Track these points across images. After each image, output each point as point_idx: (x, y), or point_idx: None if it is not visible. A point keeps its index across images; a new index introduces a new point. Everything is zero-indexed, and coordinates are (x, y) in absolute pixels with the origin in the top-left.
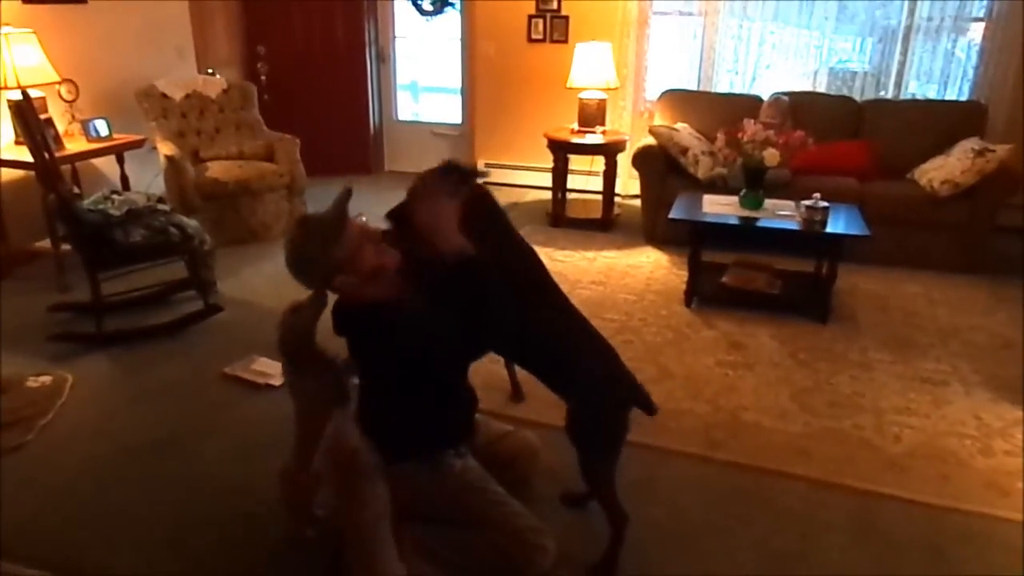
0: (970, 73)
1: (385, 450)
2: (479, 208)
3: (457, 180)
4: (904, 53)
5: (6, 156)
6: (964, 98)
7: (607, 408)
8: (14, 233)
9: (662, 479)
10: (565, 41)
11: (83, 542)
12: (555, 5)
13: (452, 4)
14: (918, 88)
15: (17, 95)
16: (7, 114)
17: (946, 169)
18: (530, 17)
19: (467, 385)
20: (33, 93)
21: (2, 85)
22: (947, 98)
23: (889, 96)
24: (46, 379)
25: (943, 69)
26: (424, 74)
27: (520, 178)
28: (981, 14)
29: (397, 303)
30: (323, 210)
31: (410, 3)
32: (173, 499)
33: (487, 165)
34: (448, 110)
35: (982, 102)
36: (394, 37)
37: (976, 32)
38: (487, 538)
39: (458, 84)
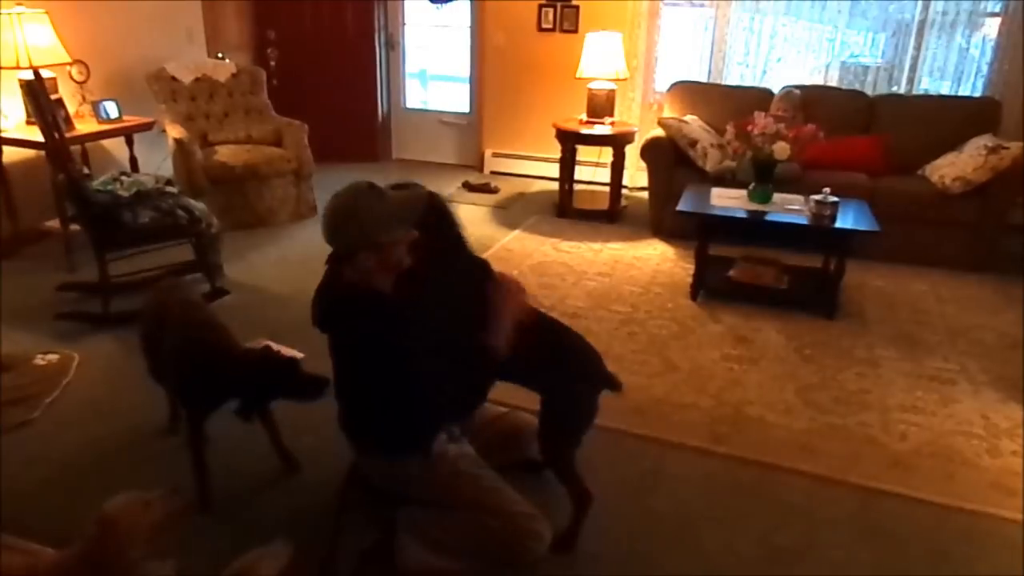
0: (984, 69)
1: (371, 443)
2: (429, 216)
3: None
4: (917, 48)
5: (17, 135)
6: (978, 94)
7: (583, 395)
8: (24, 212)
9: (665, 472)
10: (575, 31)
11: (86, 518)
12: None
13: None
14: (931, 84)
15: (29, 75)
16: (19, 93)
17: (958, 166)
18: (540, 6)
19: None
20: (44, 73)
21: (14, 65)
22: (960, 94)
23: (902, 91)
24: (53, 357)
25: (957, 64)
26: (433, 62)
27: (527, 168)
28: (996, 9)
29: (394, 302)
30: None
31: None
32: (176, 478)
33: (494, 154)
34: (457, 99)
35: (996, 98)
36: (404, 24)
37: (991, 27)
38: (482, 523)
39: (467, 73)
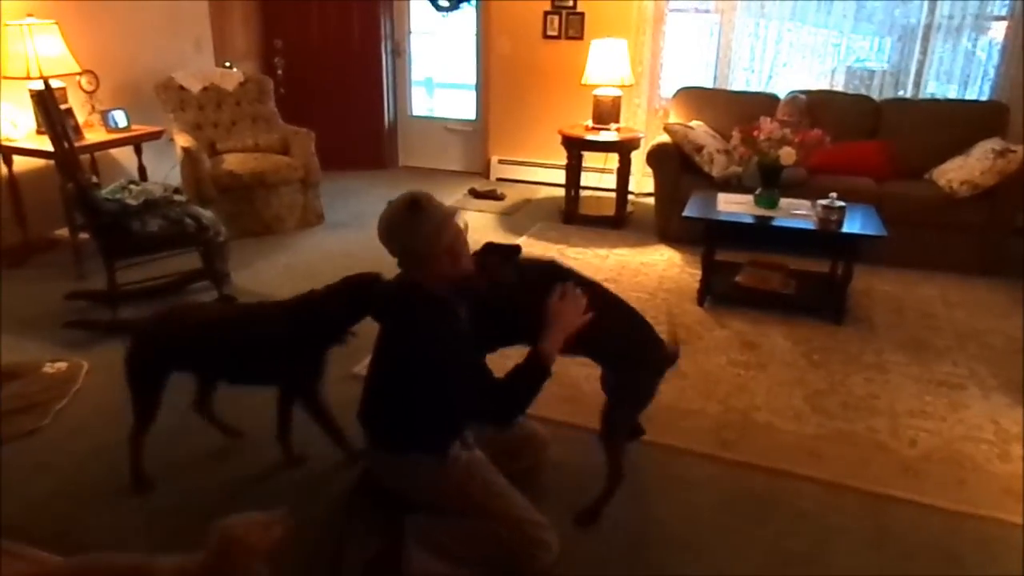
0: (991, 73)
1: (391, 440)
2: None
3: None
4: (924, 52)
5: (27, 145)
6: (985, 98)
7: (645, 381)
8: (33, 221)
9: (673, 478)
10: (580, 38)
11: (94, 526)
12: (571, 2)
13: (468, 0)
14: (937, 88)
15: (39, 85)
16: (29, 103)
17: (965, 170)
18: (546, 14)
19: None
20: (54, 83)
21: (25, 75)
22: (967, 98)
23: (908, 96)
24: (62, 365)
25: (963, 68)
26: (439, 70)
27: (533, 175)
28: (1003, 12)
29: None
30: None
31: None
32: (183, 486)
33: (500, 161)
34: (463, 106)
35: (1003, 102)
36: (410, 32)
37: (998, 31)
38: (491, 531)
39: (473, 80)
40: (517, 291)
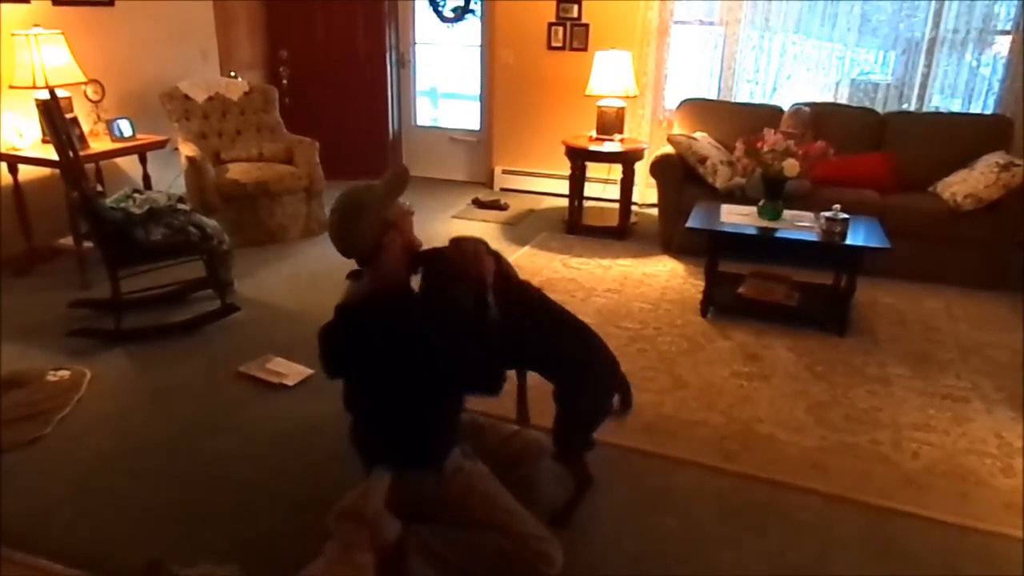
0: (995, 86)
1: (387, 461)
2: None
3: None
4: (928, 66)
5: (32, 154)
6: (989, 112)
7: (597, 395)
8: (38, 230)
9: (675, 489)
10: (585, 49)
11: (96, 535)
12: (575, 13)
13: (473, 11)
14: (942, 101)
15: (45, 95)
16: (35, 113)
17: (970, 183)
18: (550, 25)
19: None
20: (60, 93)
21: (31, 84)
22: (972, 111)
23: (912, 109)
24: (65, 373)
25: (967, 82)
26: (444, 80)
27: (537, 185)
28: (1008, 27)
29: (411, 302)
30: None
31: (431, 10)
32: (186, 495)
33: (504, 171)
34: (467, 116)
35: (1007, 116)
36: (414, 43)
37: (1002, 45)
38: (494, 544)
39: (477, 90)
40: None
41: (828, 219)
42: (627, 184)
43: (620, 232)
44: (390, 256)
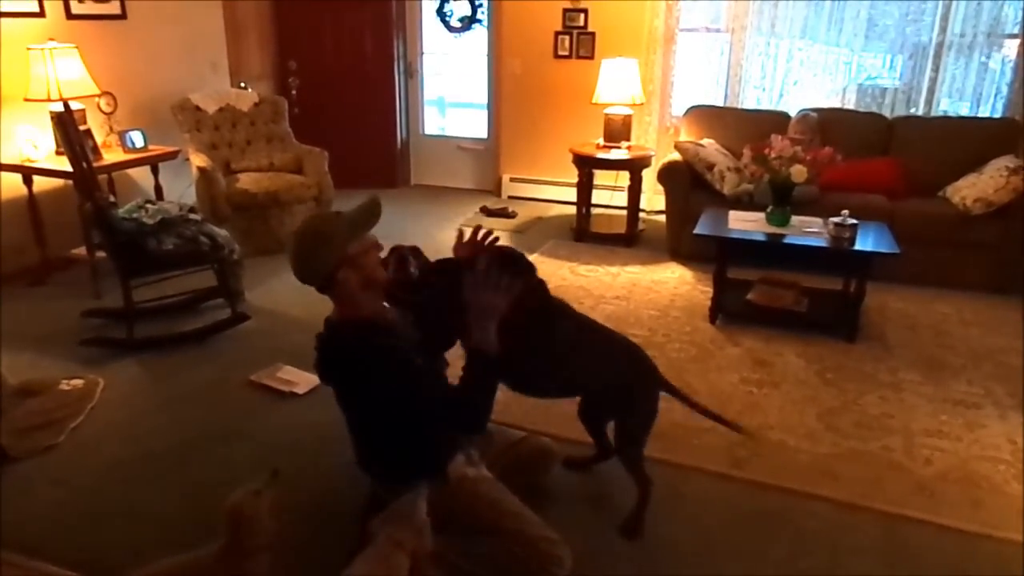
0: (1004, 90)
1: (390, 476)
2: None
3: (514, 273)
4: (936, 70)
5: (47, 165)
6: (997, 115)
7: (646, 385)
8: (52, 241)
9: (685, 496)
10: (591, 57)
11: (108, 543)
12: (582, 22)
13: (479, 21)
14: (950, 105)
15: (59, 107)
16: (49, 125)
17: (979, 187)
18: (556, 34)
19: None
20: (74, 105)
21: (45, 97)
22: (980, 115)
23: (920, 113)
24: (78, 382)
25: (976, 86)
26: (451, 89)
27: (545, 193)
28: (1015, 30)
29: (390, 327)
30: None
31: (438, 20)
32: (198, 503)
33: (512, 179)
34: (474, 125)
35: (1016, 119)
36: (422, 53)
37: (1010, 48)
38: (503, 549)
39: (485, 99)
40: (427, 291)
41: (837, 224)
42: (635, 191)
43: (628, 239)
44: (344, 291)
